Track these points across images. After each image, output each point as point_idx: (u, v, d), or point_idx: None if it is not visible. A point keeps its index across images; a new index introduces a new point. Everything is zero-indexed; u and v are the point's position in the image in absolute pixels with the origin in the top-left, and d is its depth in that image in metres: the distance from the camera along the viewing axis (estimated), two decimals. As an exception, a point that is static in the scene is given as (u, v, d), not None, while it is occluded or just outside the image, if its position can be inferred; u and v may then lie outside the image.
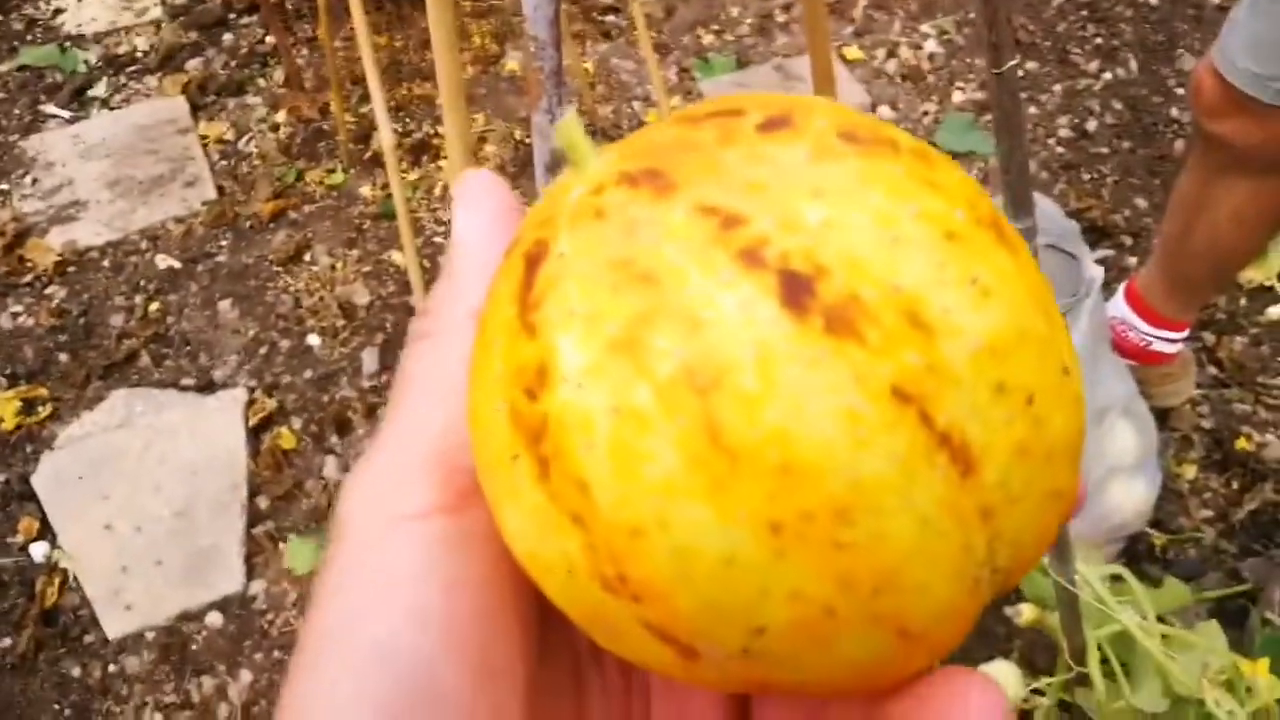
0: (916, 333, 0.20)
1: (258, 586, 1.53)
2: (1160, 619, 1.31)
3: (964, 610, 0.21)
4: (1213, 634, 0.88)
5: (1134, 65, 2.26)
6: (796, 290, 0.20)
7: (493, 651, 0.24)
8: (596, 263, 0.21)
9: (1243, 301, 1.85)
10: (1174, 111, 2.15)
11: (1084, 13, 2.37)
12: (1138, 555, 1.51)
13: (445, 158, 2.07)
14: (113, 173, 2.08)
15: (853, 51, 2.29)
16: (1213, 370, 1.76)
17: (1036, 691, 0.94)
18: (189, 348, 1.82)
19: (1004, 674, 1.19)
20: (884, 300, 0.20)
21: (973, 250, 0.21)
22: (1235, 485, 1.61)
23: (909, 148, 0.22)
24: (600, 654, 0.28)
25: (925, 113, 2.17)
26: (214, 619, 1.51)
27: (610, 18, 2.38)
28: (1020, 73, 2.24)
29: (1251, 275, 1.84)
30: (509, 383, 0.22)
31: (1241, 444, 1.65)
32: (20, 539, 1.59)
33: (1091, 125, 2.14)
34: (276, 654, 1.47)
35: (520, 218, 0.27)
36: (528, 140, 2.09)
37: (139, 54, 2.34)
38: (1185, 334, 1.63)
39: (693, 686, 0.26)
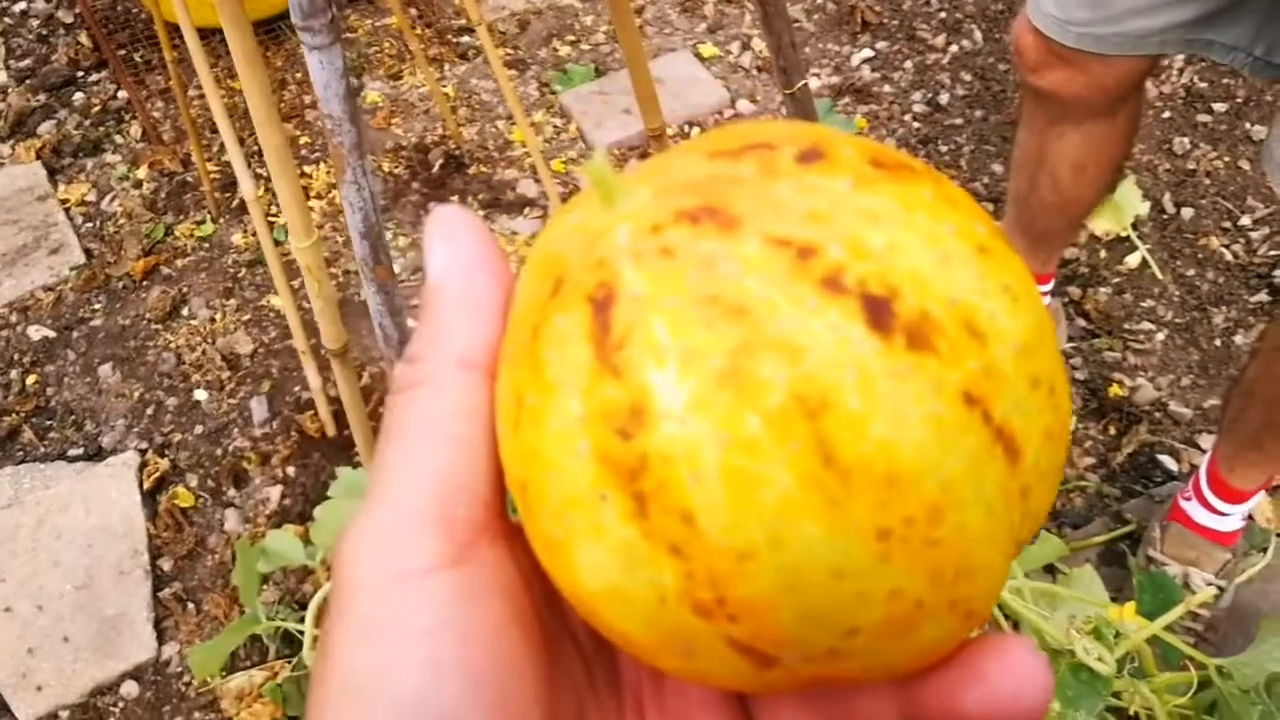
0: (974, 341, 0.22)
1: (171, 650, 1.52)
2: (1051, 568, 1.36)
3: (1003, 583, 0.24)
4: (1088, 580, 0.92)
5: (978, 36, 2.33)
6: (879, 312, 0.21)
7: (511, 696, 0.25)
8: (682, 300, 0.22)
9: (1103, 253, 1.92)
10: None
11: (926, -11, 2.44)
12: (1027, 509, 1.57)
13: (315, 196, 2.06)
14: (-26, 247, 2.03)
15: (708, 49, 2.32)
16: (1081, 322, 1.82)
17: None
18: (73, 417, 1.79)
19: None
20: (947, 314, 0.22)
21: (999, 260, 0.23)
22: (1112, 431, 1.68)
23: (923, 169, 0.24)
24: (596, 683, 0.29)
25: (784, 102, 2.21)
26: (130, 689, 1.49)
27: (465, 39, 2.38)
28: (871, 53, 2.30)
29: (1108, 227, 1.91)
30: (593, 424, 0.22)
31: (1114, 390, 1.72)
32: (-83, 633, 1.55)
33: (944, 98, 2.21)
34: (197, 715, 1.46)
35: (498, 253, 0.28)
36: (395, 171, 2.09)
37: (-12, 123, 2.28)
38: (1050, 286, 1.69)
39: (756, 693, 0.27)
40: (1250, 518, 1.42)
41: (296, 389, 1.79)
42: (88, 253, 2.02)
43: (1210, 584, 1.38)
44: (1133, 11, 1.20)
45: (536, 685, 0.26)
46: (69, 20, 2.50)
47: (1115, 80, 1.30)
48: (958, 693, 0.24)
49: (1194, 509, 1.41)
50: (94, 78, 2.37)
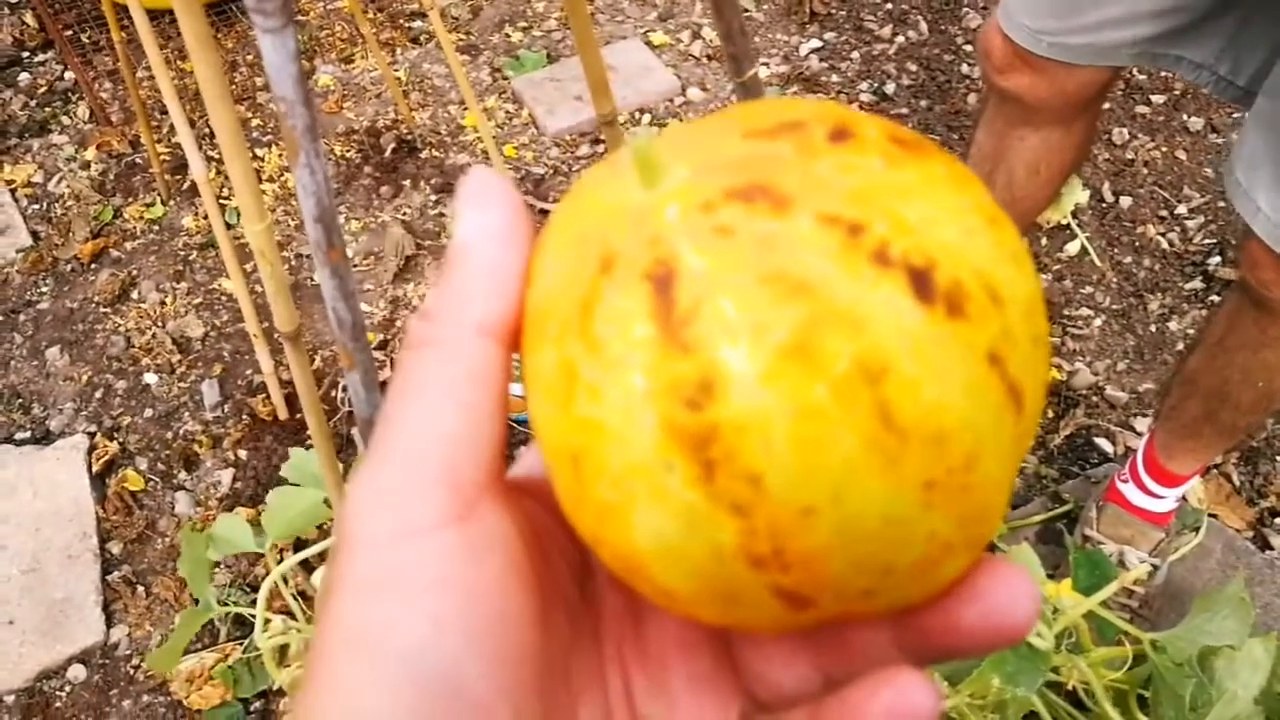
0: (994, 305, 0.24)
1: (119, 633, 1.51)
2: (991, 547, 1.39)
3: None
4: (1026, 558, 0.94)
5: (924, 27, 2.36)
6: (923, 283, 0.23)
7: (511, 649, 0.26)
8: (745, 277, 0.23)
9: (1044, 241, 1.96)
10: (964, 68, 2.25)
11: (874, -20, 2.47)
12: (969, 491, 1.60)
13: (267, 179, 2.05)
14: (-83, 229, 2.01)
15: (659, 37, 2.34)
16: (1023, 309, 1.86)
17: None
18: (20, 400, 1.78)
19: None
20: (975, 282, 0.24)
21: (1005, 231, 0.25)
22: (1051, 414, 1.72)
23: (934, 147, 0.26)
24: (580, 633, 0.31)
25: (734, 90, 2.23)
26: (77, 672, 1.48)
27: (417, 23, 2.38)
28: (819, 43, 2.33)
29: (1049, 215, 1.95)
30: (661, 398, 0.23)
31: (1054, 374, 1.76)
32: None
33: (890, 88, 2.24)
34: (146, 698, 1.46)
35: (528, 224, 0.28)
36: (347, 155, 2.08)
37: (-70, 103, 2.25)
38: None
39: (782, 632, 0.29)
40: (1184, 499, 1.47)
41: (248, 372, 1.79)
42: (34, 235, 2.01)
43: (1145, 562, 1.42)
44: (1102, 24, 1.23)
45: (534, 637, 0.27)
46: (13, 0, 2.47)
47: (1078, 88, 1.33)
48: (955, 610, 0.26)
49: (1130, 491, 1.45)
50: (40, 58, 2.34)
